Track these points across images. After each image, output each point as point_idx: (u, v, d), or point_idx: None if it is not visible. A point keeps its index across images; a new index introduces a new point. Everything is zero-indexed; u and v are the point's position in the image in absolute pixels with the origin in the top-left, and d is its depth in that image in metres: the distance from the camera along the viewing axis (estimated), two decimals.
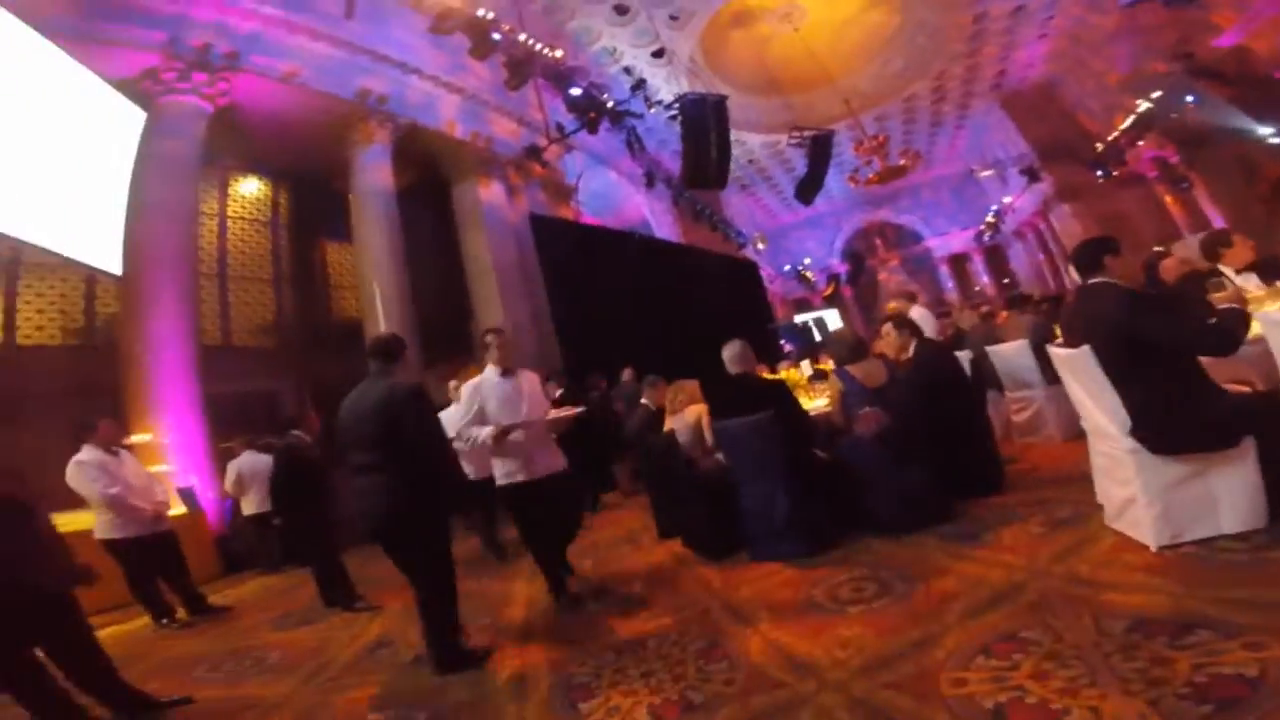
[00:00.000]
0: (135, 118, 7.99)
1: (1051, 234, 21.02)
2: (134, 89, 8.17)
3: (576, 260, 10.16)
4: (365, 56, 10.41)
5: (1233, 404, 2.44)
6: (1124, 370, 2.45)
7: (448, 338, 11.43)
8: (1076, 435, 4.85)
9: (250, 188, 11.96)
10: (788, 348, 14.68)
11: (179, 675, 3.39)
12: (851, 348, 3.90)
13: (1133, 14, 12.61)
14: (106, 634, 4.47)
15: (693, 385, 4.85)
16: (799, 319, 21.79)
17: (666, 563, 4.16)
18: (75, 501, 4.63)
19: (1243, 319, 2.36)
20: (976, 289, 25.42)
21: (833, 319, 21.90)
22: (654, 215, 17.65)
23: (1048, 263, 22.13)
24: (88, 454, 4.45)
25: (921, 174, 21.68)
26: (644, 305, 10.55)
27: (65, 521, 5.73)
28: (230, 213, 11.53)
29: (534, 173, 13.06)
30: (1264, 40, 12.17)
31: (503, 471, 3.39)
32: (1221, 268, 3.99)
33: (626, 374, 7.69)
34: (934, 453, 3.44)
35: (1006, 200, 21.56)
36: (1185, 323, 2.41)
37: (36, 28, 6.62)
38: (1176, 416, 2.40)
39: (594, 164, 15.37)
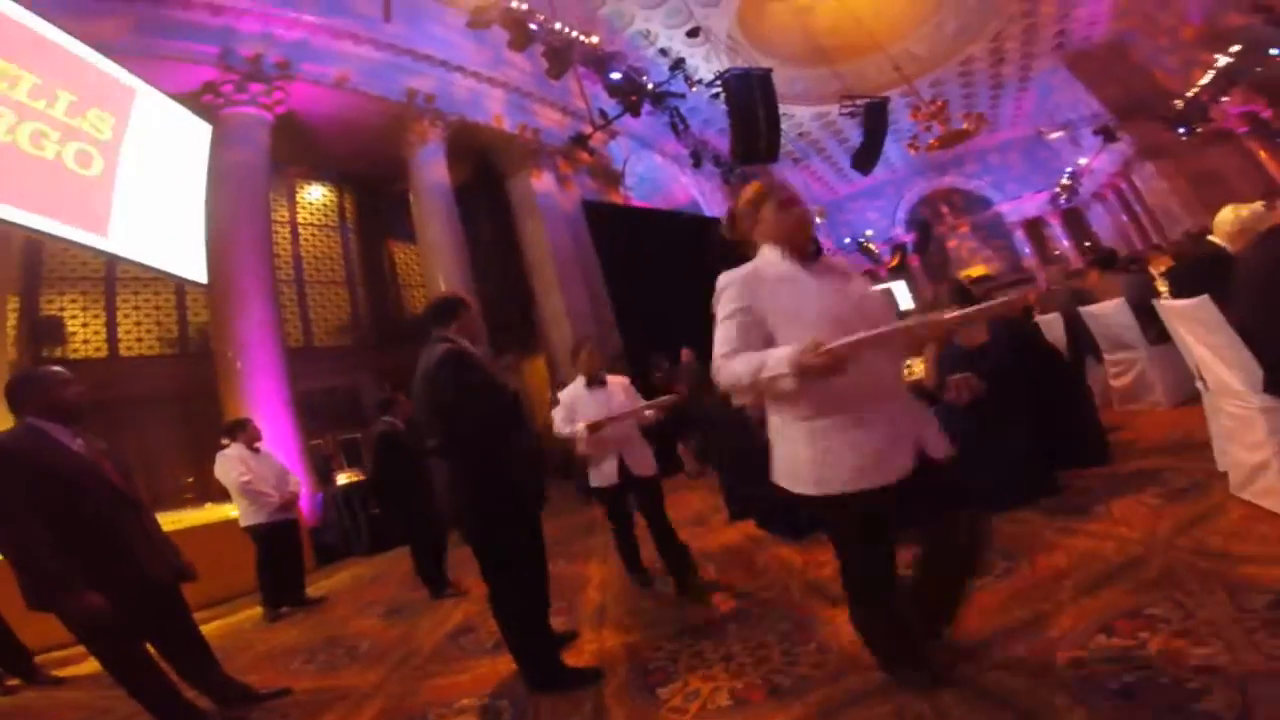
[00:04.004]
0: (203, 131, 8.27)
1: (1135, 194, 19.93)
2: (196, 103, 8.44)
3: (630, 243, 10.19)
4: (408, 57, 10.60)
5: None
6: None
7: (512, 326, 11.84)
8: (1184, 400, 4.46)
9: (316, 194, 12.47)
10: None
11: (277, 667, 3.51)
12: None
13: None
14: (213, 627, 4.77)
15: None
16: None
17: (740, 543, 4.06)
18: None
19: None
20: (1056, 253, 24.00)
21: (900, 290, 20.93)
22: (703, 195, 17.37)
23: (1132, 224, 20.88)
24: (234, 450, 4.95)
25: (986, 138, 20.63)
26: (700, 285, 10.36)
27: (217, 512, 6.39)
28: (300, 219, 12.07)
29: (582, 160, 13.05)
30: None
31: (595, 475, 3.53)
32: None
33: (685, 354, 7.62)
34: (1032, 421, 3.17)
35: (1082, 162, 20.51)
36: None
37: (99, 48, 6.87)
38: None
39: (639, 148, 15.22)
